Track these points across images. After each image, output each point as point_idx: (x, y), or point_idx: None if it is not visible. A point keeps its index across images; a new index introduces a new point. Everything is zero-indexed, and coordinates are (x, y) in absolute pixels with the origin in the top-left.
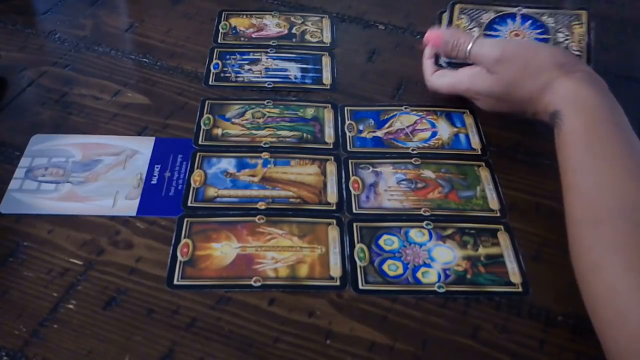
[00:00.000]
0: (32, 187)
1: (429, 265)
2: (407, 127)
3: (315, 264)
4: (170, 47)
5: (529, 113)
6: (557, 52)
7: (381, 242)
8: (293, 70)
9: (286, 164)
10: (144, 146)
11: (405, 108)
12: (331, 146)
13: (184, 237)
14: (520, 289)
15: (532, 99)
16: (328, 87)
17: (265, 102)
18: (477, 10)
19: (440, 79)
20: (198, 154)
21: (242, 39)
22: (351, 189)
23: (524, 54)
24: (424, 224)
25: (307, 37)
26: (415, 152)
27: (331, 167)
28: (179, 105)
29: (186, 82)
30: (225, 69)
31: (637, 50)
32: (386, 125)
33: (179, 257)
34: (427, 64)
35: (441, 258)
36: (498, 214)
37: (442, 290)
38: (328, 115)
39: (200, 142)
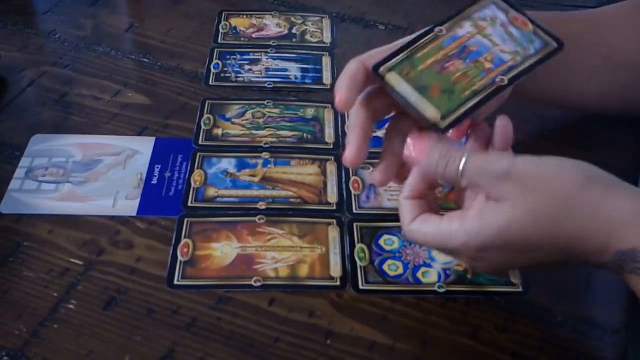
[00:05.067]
0: (32, 187)
1: (429, 265)
2: None
3: (316, 264)
4: (170, 47)
5: (560, 259)
6: (577, 162)
7: (381, 242)
8: (293, 70)
9: (286, 164)
10: (144, 146)
11: None
12: (331, 146)
13: (184, 237)
14: (520, 289)
15: (571, 234)
16: (328, 87)
17: (265, 102)
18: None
19: (423, 227)
20: (198, 154)
21: (242, 39)
22: (351, 188)
23: (541, 173)
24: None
25: (307, 37)
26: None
27: (331, 167)
28: (179, 105)
29: (186, 82)
30: (225, 69)
31: None
32: (386, 125)
33: (179, 257)
34: (405, 205)
35: (441, 258)
36: None
37: (442, 290)
38: (328, 115)
39: (200, 142)
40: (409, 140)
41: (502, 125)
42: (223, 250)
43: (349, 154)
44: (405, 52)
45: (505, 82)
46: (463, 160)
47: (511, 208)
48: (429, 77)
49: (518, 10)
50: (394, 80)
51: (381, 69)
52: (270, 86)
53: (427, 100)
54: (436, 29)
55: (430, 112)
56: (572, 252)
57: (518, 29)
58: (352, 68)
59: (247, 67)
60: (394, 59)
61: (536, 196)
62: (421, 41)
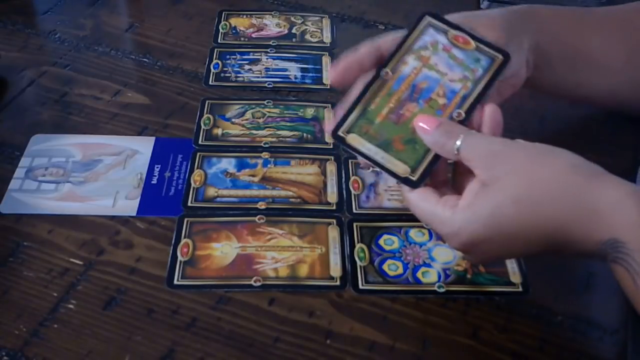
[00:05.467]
0: (32, 187)
1: (429, 265)
2: None
3: (315, 264)
4: (170, 47)
5: (550, 248)
6: (563, 151)
7: (381, 242)
8: (293, 70)
9: (286, 164)
10: (144, 146)
11: None
12: (331, 146)
13: (184, 237)
14: (520, 289)
15: (556, 222)
16: (328, 87)
17: (265, 102)
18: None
19: (420, 203)
20: (198, 154)
21: (242, 39)
22: (351, 188)
23: (529, 157)
24: (424, 223)
25: (307, 37)
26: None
27: (331, 167)
28: (179, 105)
29: (186, 82)
30: (225, 69)
31: None
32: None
33: (179, 257)
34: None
35: (441, 258)
36: None
37: (442, 290)
38: (328, 115)
39: (200, 142)
40: (419, 117)
41: (492, 112)
42: (223, 250)
43: (334, 68)
44: (359, 107)
45: (463, 116)
46: (461, 137)
47: (498, 192)
48: (388, 130)
49: (456, 28)
50: (356, 141)
51: (340, 132)
52: (270, 86)
53: (393, 156)
54: (382, 73)
55: (399, 168)
56: (559, 241)
57: (461, 50)
58: (363, 52)
59: (247, 67)
60: (350, 118)
61: (520, 179)
62: (371, 89)
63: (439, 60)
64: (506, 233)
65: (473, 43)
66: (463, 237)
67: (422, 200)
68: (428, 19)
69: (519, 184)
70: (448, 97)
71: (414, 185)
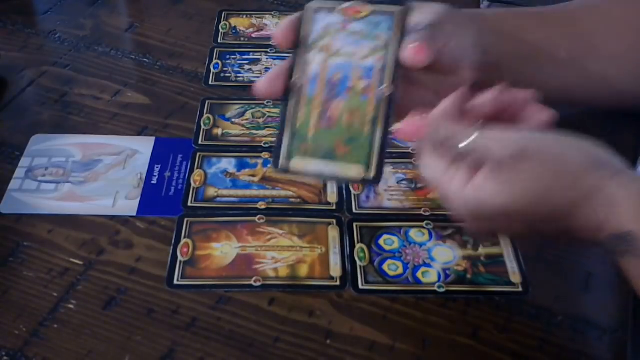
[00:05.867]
0: (32, 187)
1: (429, 265)
2: None
3: (315, 264)
4: (170, 47)
5: (558, 233)
6: (588, 145)
7: (381, 242)
8: None
9: None
10: (144, 146)
11: None
12: None
13: (184, 237)
14: (520, 289)
15: (569, 213)
16: None
17: (265, 102)
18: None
19: (432, 163)
20: (198, 154)
21: (242, 39)
22: (351, 188)
23: (549, 150)
24: (424, 223)
25: None
26: (415, 151)
27: None
28: (179, 105)
29: (186, 82)
30: (225, 69)
31: None
32: None
33: (179, 257)
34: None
35: (441, 258)
36: None
37: (442, 290)
38: None
39: (200, 142)
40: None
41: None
42: (223, 250)
43: (261, 82)
44: (287, 129)
45: (390, 89)
46: (473, 136)
47: (511, 188)
48: (325, 138)
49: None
50: (299, 164)
51: (280, 164)
52: None
53: (340, 162)
54: (291, 83)
55: (352, 171)
56: (570, 224)
57: (357, 21)
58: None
59: (247, 67)
60: (284, 145)
61: (544, 178)
62: (289, 105)
63: (340, 42)
64: (517, 214)
65: (365, 8)
66: (467, 212)
67: (432, 162)
68: (312, 5)
69: (542, 179)
70: (366, 77)
71: (374, 182)
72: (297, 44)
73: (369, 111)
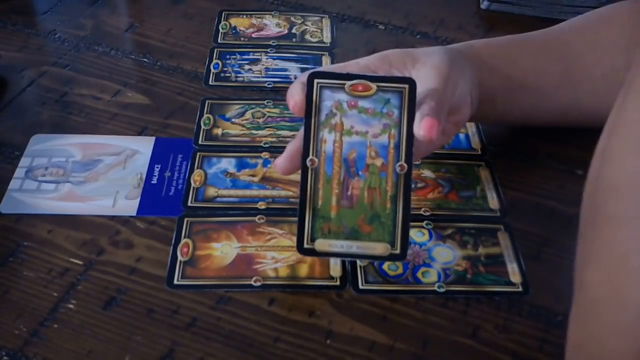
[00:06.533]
0: (32, 187)
1: (429, 265)
2: None
3: (315, 264)
4: (170, 47)
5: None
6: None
7: None
8: (293, 70)
9: None
10: (144, 146)
11: None
12: None
13: (184, 237)
14: (520, 289)
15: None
16: None
17: (265, 102)
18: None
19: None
20: (198, 154)
21: (242, 39)
22: None
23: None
24: (424, 223)
25: (307, 37)
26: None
27: None
28: (179, 105)
29: (186, 82)
30: (225, 68)
31: None
32: None
33: (179, 257)
34: None
35: (441, 258)
36: (498, 214)
37: (442, 290)
38: None
39: (200, 142)
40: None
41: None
42: (223, 250)
43: (280, 159)
44: (307, 210)
45: (406, 167)
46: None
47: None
48: (348, 218)
49: (349, 77)
50: (324, 245)
51: (305, 245)
52: (270, 86)
53: (365, 241)
54: (308, 162)
55: (378, 249)
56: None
57: (366, 99)
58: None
59: (247, 67)
60: (306, 227)
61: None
62: (308, 186)
63: (351, 120)
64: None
65: (373, 85)
66: None
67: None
68: (316, 81)
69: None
70: (382, 155)
71: (401, 258)
72: (308, 114)
73: (389, 188)
